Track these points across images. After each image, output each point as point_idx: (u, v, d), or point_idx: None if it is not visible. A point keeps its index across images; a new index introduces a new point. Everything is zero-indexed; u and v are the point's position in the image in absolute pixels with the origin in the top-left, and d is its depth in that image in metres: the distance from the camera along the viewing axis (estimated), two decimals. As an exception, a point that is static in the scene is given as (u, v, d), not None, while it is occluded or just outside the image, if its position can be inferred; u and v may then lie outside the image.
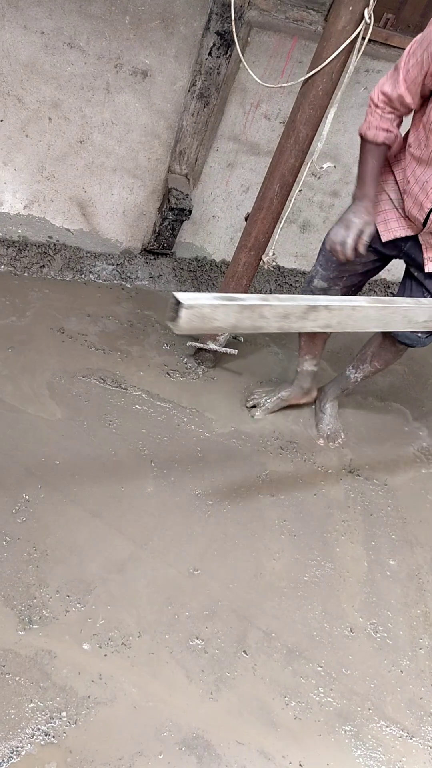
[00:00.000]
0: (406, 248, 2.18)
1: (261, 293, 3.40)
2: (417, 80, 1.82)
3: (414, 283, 2.24)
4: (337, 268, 2.26)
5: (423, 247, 2.11)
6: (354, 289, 2.42)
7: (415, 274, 2.22)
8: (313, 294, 2.41)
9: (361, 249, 2.07)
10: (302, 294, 2.47)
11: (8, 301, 2.72)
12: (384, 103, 1.92)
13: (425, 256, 2.12)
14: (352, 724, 1.79)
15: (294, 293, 3.46)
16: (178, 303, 1.32)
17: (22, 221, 2.92)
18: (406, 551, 2.29)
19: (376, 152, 2.02)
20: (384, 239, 2.14)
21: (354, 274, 2.29)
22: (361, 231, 2.05)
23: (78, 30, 2.47)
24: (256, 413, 2.61)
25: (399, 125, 2.00)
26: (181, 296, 1.33)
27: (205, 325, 1.37)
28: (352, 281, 2.33)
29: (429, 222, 2.00)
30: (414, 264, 2.20)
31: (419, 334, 2.32)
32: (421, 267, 2.16)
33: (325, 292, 2.36)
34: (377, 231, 2.14)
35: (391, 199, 2.12)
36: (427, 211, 1.97)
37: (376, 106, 1.93)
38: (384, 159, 2.05)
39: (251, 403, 2.64)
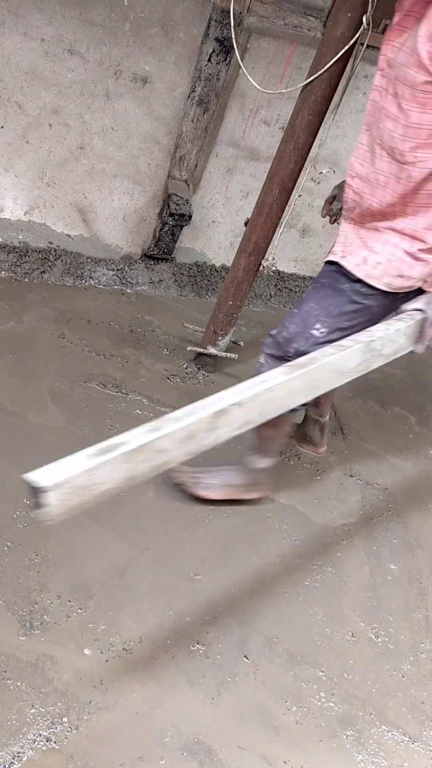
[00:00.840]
0: None
1: (261, 298, 3.41)
2: None
3: None
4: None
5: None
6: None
7: None
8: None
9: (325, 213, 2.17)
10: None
11: (9, 306, 2.73)
12: None
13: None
14: (353, 729, 1.78)
15: (294, 298, 3.47)
16: (36, 489, 0.93)
17: (23, 227, 2.93)
18: (407, 555, 2.29)
19: None
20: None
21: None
22: (333, 196, 2.16)
23: (78, 37, 2.48)
24: None
25: None
26: (36, 477, 0.93)
27: (87, 497, 1.02)
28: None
29: (351, 195, 1.84)
30: None
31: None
32: None
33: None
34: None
35: None
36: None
37: None
38: None
39: None
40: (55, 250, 2.99)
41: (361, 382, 2.97)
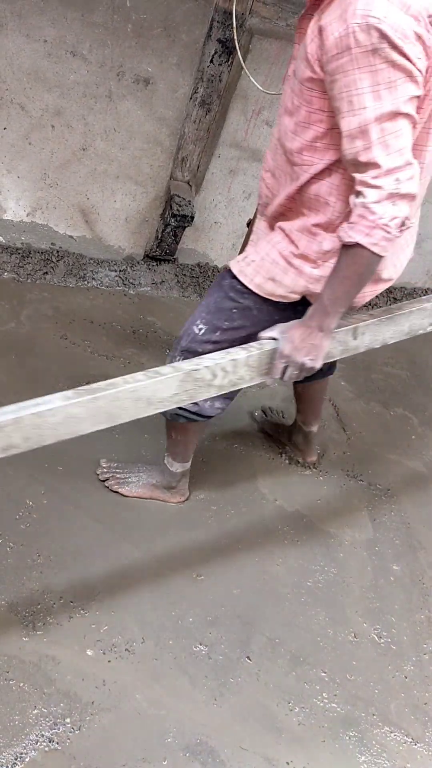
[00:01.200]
0: None
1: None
2: None
3: None
4: None
5: None
6: None
7: None
8: None
9: None
10: None
11: (11, 307, 2.73)
12: None
13: None
14: (356, 730, 1.78)
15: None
16: None
17: (26, 228, 2.93)
18: (410, 556, 2.29)
19: None
20: None
21: None
22: None
23: (80, 38, 2.49)
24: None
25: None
26: None
27: None
28: None
29: (263, 190, 1.72)
30: None
31: (216, 405, 1.89)
32: None
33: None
34: None
35: None
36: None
37: None
38: None
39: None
40: (58, 251, 3.00)
41: (364, 383, 2.97)
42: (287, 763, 1.67)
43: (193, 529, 2.13)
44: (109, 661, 1.74)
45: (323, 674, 1.88)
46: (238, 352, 1.52)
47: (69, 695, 1.64)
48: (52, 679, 1.66)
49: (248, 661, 1.85)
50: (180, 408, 1.83)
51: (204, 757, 1.62)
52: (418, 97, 1.34)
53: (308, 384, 2.20)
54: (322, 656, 1.92)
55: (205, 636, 1.86)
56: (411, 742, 1.80)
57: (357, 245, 1.39)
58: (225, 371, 1.48)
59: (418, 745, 1.80)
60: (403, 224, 1.38)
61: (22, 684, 1.63)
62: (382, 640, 2.01)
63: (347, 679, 1.89)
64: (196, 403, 1.80)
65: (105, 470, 2.17)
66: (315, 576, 2.12)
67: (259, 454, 2.48)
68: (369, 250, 1.39)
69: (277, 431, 2.54)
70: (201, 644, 1.85)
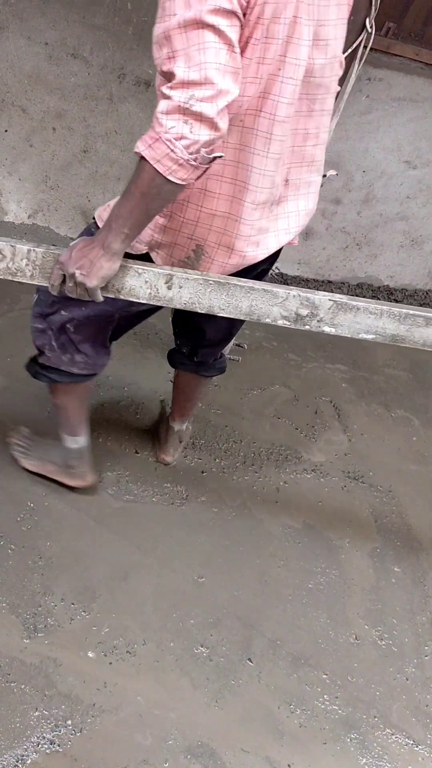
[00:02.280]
0: None
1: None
2: None
3: None
4: None
5: None
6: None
7: None
8: None
9: None
10: None
11: (10, 308, 2.73)
12: None
13: None
14: (357, 732, 1.78)
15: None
16: None
17: (27, 230, 2.93)
18: (412, 558, 2.29)
19: None
20: None
21: None
22: None
23: (82, 41, 2.49)
24: None
25: None
26: None
27: None
28: None
29: None
30: None
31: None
32: None
33: None
34: None
35: None
36: None
37: None
38: None
39: None
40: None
41: (365, 385, 2.97)
42: (288, 766, 1.67)
43: (195, 531, 2.13)
44: (110, 663, 1.74)
45: (324, 676, 1.88)
46: (25, 243, 1.45)
47: (70, 697, 1.65)
48: (53, 681, 1.66)
49: (249, 663, 1.85)
50: (39, 365, 1.84)
51: (205, 759, 1.62)
52: (230, 13, 1.21)
53: (182, 372, 2.12)
54: (323, 658, 1.92)
55: (206, 638, 1.87)
56: (412, 744, 1.80)
57: (143, 158, 1.26)
58: (2, 254, 1.42)
59: (420, 747, 1.80)
60: (198, 151, 1.24)
61: (23, 686, 1.64)
62: (383, 642, 2.01)
63: (348, 681, 1.89)
64: (55, 366, 1.78)
65: (19, 439, 2.14)
66: (316, 578, 2.12)
67: (261, 456, 2.48)
68: (152, 165, 1.24)
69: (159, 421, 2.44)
70: (202, 646, 1.85)
